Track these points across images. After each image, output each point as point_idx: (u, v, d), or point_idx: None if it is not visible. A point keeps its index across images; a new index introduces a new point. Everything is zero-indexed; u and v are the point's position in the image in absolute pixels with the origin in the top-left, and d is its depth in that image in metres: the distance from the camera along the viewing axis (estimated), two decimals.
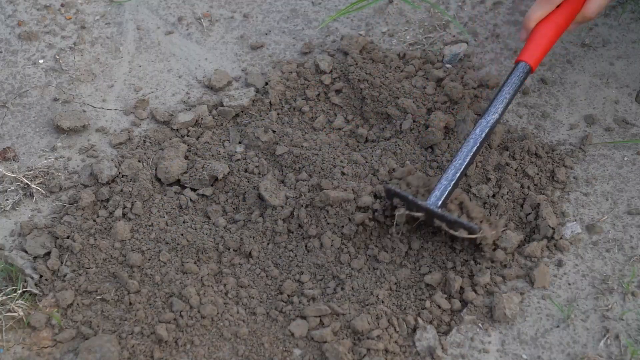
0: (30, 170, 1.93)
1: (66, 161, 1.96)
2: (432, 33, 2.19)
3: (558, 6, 1.83)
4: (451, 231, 1.69)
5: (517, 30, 2.19)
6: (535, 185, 1.88)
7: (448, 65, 2.10)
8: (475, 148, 1.75)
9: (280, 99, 2.05)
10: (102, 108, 2.07)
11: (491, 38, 2.18)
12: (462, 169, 1.73)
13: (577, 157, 1.94)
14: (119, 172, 1.89)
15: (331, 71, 2.10)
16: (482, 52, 2.15)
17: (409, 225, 1.79)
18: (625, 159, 1.94)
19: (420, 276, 1.76)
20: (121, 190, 1.86)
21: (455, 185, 1.73)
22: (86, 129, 2.01)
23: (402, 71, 2.08)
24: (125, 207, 1.84)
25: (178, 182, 1.92)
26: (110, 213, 1.84)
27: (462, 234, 1.68)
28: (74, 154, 1.97)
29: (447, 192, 1.71)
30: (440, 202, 1.70)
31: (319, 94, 2.07)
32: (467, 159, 1.74)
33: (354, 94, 2.07)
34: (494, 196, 1.86)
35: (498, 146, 1.93)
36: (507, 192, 1.86)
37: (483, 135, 1.76)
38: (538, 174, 1.89)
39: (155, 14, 2.27)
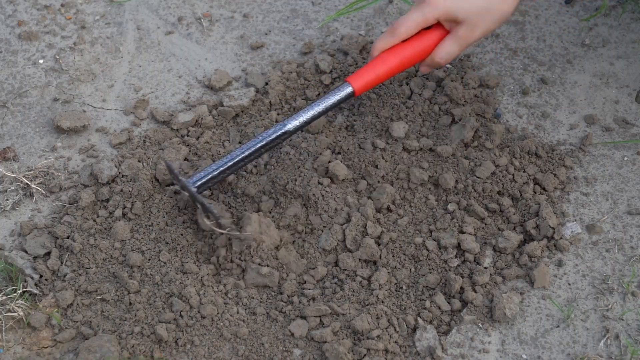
0: (30, 170, 1.93)
1: (66, 161, 1.95)
2: None
3: (405, 41, 1.79)
4: (205, 219, 1.74)
5: (517, 30, 2.19)
6: (535, 185, 1.88)
7: (448, 65, 2.10)
8: (259, 145, 1.75)
9: (280, 99, 2.05)
10: (102, 108, 2.06)
11: (491, 38, 2.18)
12: (236, 160, 1.74)
13: (577, 157, 1.93)
14: (119, 172, 1.89)
15: (331, 71, 2.10)
16: (482, 52, 2.15)
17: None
18: (625, 159, 1.94)
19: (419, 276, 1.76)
20: (121, 190, 1.85)
21: (223, 173, 1.74)
22: (86, 129, 2.01)
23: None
24: (125, 207, 1.84)
25: None
26: (110, 213, 1.84)
27: (211, 223, 1.72)
28: (74, 154, 1.97)
29: (209, 176, 1.73)
30: (199, 183, 1.73)
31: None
32: (246, 153, 1.75)
33: None
34: (496, 200, 1.86)
35: (498, 146, 1.94)
36: (508, 193, 1.86)
37: (273, 136, 1.76)
38: (538, 174, 1.90)
39: (155, 14, 2.27)
